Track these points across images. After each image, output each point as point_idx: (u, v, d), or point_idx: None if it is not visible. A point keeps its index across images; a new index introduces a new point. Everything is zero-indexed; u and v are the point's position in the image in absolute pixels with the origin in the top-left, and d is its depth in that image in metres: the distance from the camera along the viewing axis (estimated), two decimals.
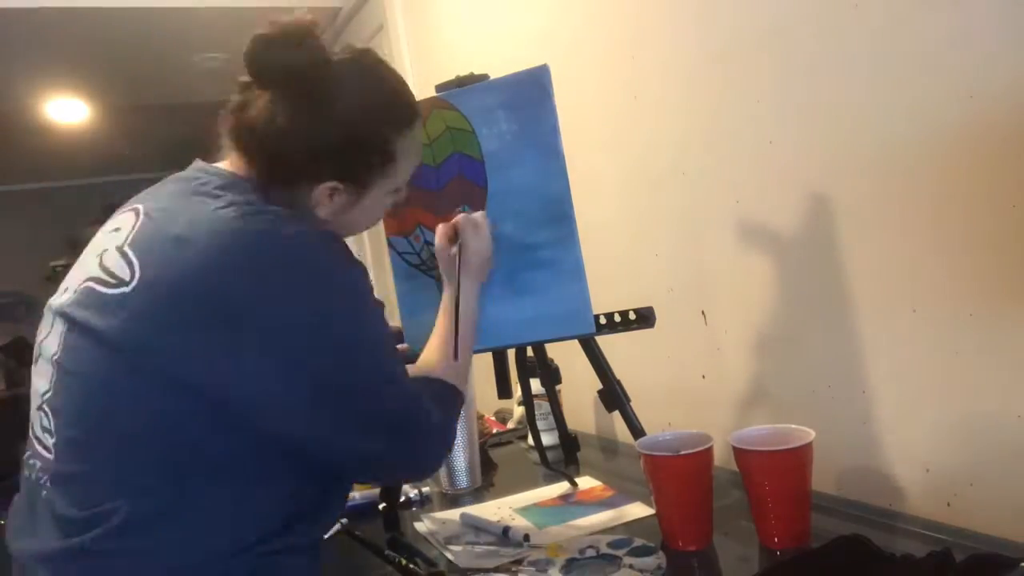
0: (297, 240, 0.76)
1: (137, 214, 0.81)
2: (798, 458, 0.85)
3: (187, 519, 0.73)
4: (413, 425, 0.82)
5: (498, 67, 1.08)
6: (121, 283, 0.75)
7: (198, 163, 0.86)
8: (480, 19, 1.83)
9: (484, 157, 1.02)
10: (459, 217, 1.00)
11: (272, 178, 0.82)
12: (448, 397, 0.91)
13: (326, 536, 1.10)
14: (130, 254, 0.76)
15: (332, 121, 0.81)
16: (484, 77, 1.04)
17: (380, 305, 0.83)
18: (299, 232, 0.76)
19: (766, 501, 0.87)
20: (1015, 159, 0.80)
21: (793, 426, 0.89)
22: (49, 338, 0.81)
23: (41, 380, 0.80)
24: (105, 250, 0.79)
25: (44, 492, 0.77)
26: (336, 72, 0.82)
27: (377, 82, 0.85)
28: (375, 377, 0.79)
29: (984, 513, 0.87)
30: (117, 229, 0.81)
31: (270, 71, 0.80)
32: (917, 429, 0.95)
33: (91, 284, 0.78)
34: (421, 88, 2.16)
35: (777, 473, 0.86)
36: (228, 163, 0.85)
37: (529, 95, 0.99)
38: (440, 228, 1.01)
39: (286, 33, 0.80)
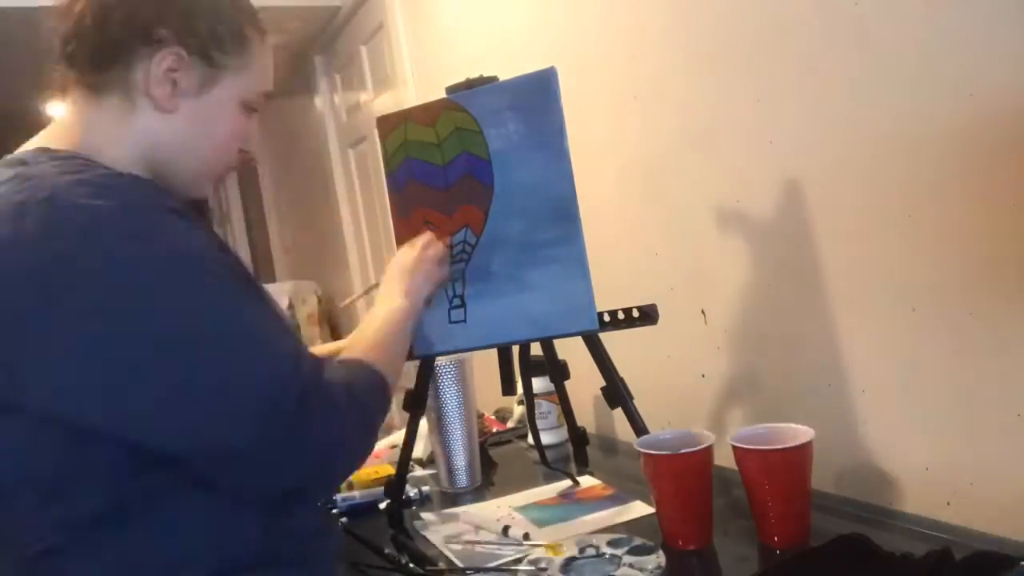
0: (73, 199, 0.65)
1: None
2: (798, 457, 0.85)
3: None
4: (322, 420, 0.68)
5: (498, 66, 1.08)
6: None
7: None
8: (479, 18, 1.83)
9: (491, 157, 1.03)
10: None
11: (102, 60, 0.74)
12: (375, 385, 0.79)
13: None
14: None
15: None
16: (493, 79, 1.05)
17: (217, 241, 0.73)
18: (74, 184, 0.66)
19: (766, 500, 0.87)
20: (1015, 157, 0.80)
21: (793, 425, 0.89)
22: None
23: None
24: None
25: None
26: None
27: None
28: (225, 345, 0.67)
29: (984, 512, 0.87)
30: None
31: None
32: (917, 428, 0.95)
33: None
34: (422, 86, 2.18)
35: (777, 472, 0.86)
36: (43, 133, 0.78)
37: (536, 97, 1.00)
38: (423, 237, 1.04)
39: None
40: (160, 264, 0.66)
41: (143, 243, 0.66)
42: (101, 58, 0.75)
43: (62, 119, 0.79)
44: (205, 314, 0.67)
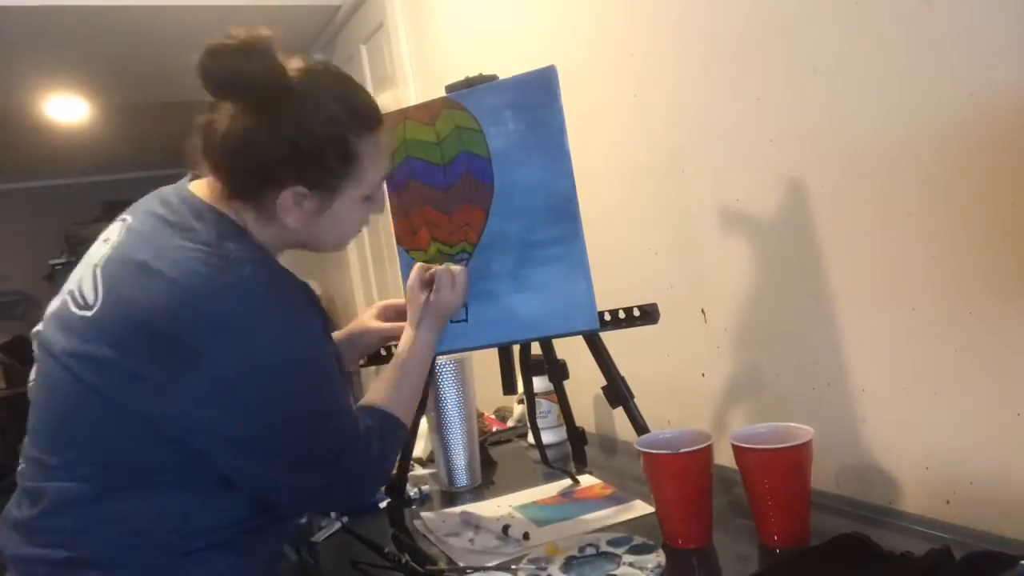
0: (251, 285, 0.81)
1: (124, 224, 0.88)
2: (797, 456, 0.86)
3: (116, 509, 0.81)
4: (351, 459, 0.86)
5: (497, 65, 1.08)
6: (87, 306, 0.83)
7: (180, 184, 0.91)
8: (479, 17, 1.83)
9: (491, 156, 1.03)
10: (437, 269, 1.03)
11: (239, 189, 0.86)
12: (390, 430, 0.94)
13: (321, 538, 1.12)
14: (99, 277, 0.83)
15: (290, 125, 0.83)
16: (493, 78, 1.05)
17: (329, 330, 0.90)
18: (255, 275, 0.82)
19: (765, 499, 0.87)
20: (1016, 157, 0.80)
21: (792, 424, 0.90)
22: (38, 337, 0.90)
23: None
24: (90, 264, 0.87)
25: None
26: (294, 80, 0.84)
27: (337, 89, 0.87)
28: (317, 419, 0.84)
29: (983, 511, 0.87)
30: (107, 240, 0.88)
31: (222, 81, 0.82)
32: (916, 427, 0.95)
33: (67, 299, 0.86)
34: (421, 85, 2.18)
35: (776, 471, 0.86)
36: (204, 184, 0.89)
37: (537, 95, 1.00)
38: (416, 269, 1.04)
39: (237, 44, 0.81)
40: (301, 330, 0.84)
41: (295, 309, 0.84)
42: (237, 188, 0.86)
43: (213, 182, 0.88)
44: (311, 390, 0.84)
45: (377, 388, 0.97)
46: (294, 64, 0.85)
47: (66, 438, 0.83)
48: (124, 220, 0.89)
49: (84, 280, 0.85)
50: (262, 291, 0.82)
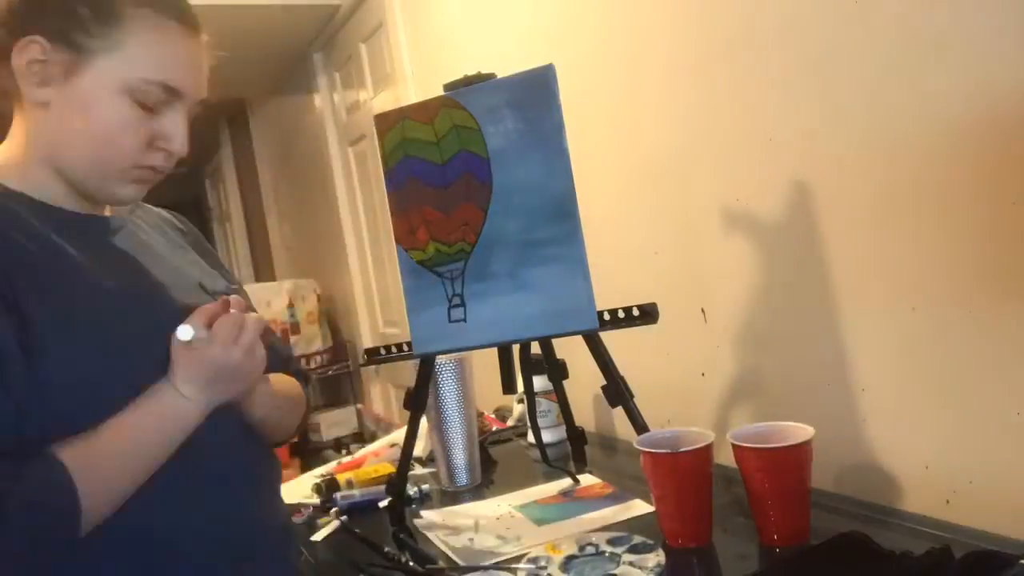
0: None
1: None
2: (797, 455, 0.85)
3: None
4: None
5: (497, 64, 1.08)
6: None
7: None
8: (478, 16, 1.83)
9: (490, 155, 1.03)
10: (223, 317, 0.75)
11: None
12: (45, 499, 0.63)
13: (321, 538, 1.11)
14: None
15: None
16: (491, 76, 1.05)
17: None
18: None
19: (765, 498, 0.87)
20: (1017, 156, 0.80)
21: (792, 423, 0.89)
22: None
23: None
24: None
25: None
26: None
27: None
28: None
29: (983, 510, 0.87)
30: None
31: None
32: (916, 426, 0.95)
33: None
34: (421, 84, 2.18)
35: (776, 470, 0.86)
36: None
37: (535, 94, 0.99)
38: (197, 312, 0.75)
39: None
40: None
41: None
42: None
43: None
44: None
45: (86, 434, 0.68)
46: None
47: None
48: None
49: None
50: None
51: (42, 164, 0.76)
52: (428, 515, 1.16)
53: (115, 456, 0.69)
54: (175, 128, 0.77)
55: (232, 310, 0.76)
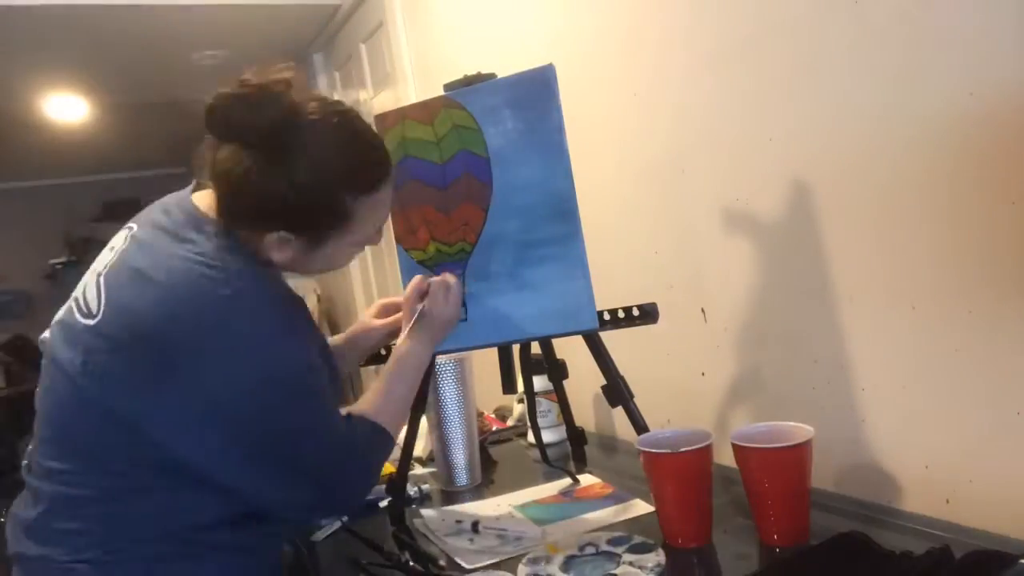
0: (245, 297, 0.82)
1: (130, 232, 0.89)
2: (797, 455, 0.86)
3: (116, 511, 0.83)
4: (333, 472, 0.87)
5: (497, 64, 1.08)
6: (90, 315, 0.84)
7: (184, 194, 0.92)
8: (479, 16, 1.83)
9: (490, 155, 1.03)
10: (433, 279, 1.02)
11: (228, 220, 0.87)
12: (377, 440, 0.94)
13: (321, 538, 1.11)
14: (102, 285, 0.84)
15: (285, 179, 0.83)
16: (491, 76, 1.05)
17: (321, 342, 0.93)
18: (249, 288, 0.83)
19: (765, 498, 0.87)
20: (1015, 156, 0.80)
21: (792, 423, 0.90)
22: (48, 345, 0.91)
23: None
24: (95, 272, 0.88)
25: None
26: (301, 132, 0.83)
27: (343, 145, 0.86)
28: (300, 435, 0.85)
29: (983, 510, 0.87)
30: (112, 248, 0.90)
31: (231, 131, 0.82)
32: (916, 426, 0.95)
33: (72, 306, 0.88)
34: (421, 83, 2.18)
35: (776, 470, 0.86)
36: (208, 195, 0.89)
37: (535, 94, 0.99)
38: (415, 279, 1.03)
39: (252, 93, 0.81)
40: (282, 350, 0.84)
41: (279, 328, 0.85)
42: (228, 220, 0.87)
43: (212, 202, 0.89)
44: (296, 407, 0.85)
45: (367, 397, 0.97)
46: (309, 108, 0.84)
47: (71, 447, 0.84)
48: (130, 228, 0.90)
49: (88, 288, 0.86)
50: (255, 304, 0.83)
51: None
52: (428, 515, 1.16)
53: (400, 404, 1.00)
54: (378, 238, 0.97)
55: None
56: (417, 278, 1.03)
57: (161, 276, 0.81)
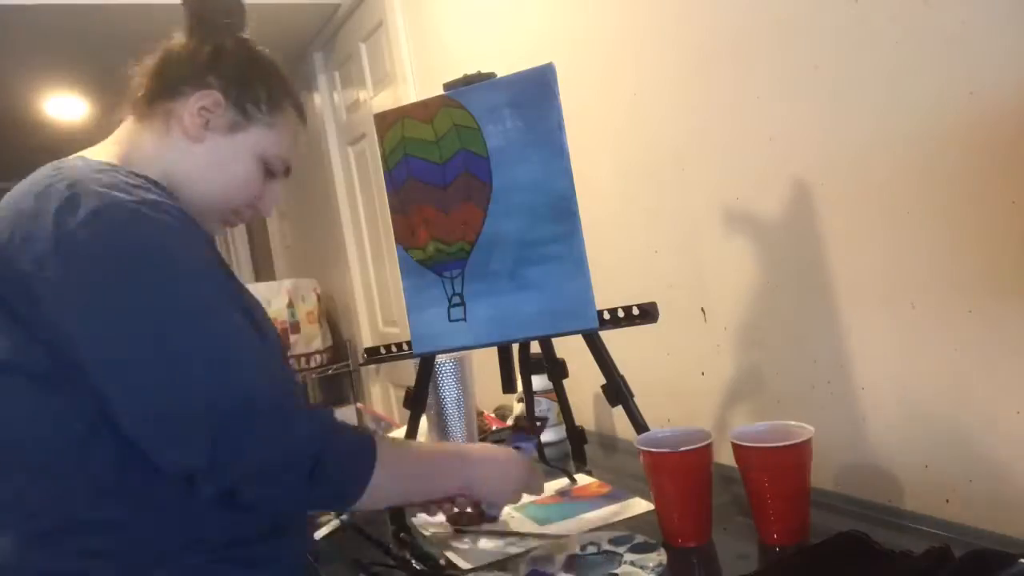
0: (150, 211, 0.75)
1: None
2: (797, 455, 0.86)
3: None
4: (242, 420, 0.72)
5: (497, 63, 1.08)
6: None
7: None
8: (479, 15, 1.83)
9: (489, 154, 1.03)
10: (533, 480, 0.97)
11: (160, 88, 0.88)
12: (352, 444, 0.80)
13: (321, 536, 1.11)
14: None
15: (243, 44, 0.91)
16: (491, 75, 1.05)
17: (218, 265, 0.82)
18: (139, 202, 0.75)
19: (765, 498, 0.87)
20: (1015, 155, 0.80)
21: (792, 423, 0.90)
22: None
23: None
24: None
25: None
26: (251, 45, 0.92)
27: (273, 63, 0.94)
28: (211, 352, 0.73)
29: (983, 509, 0.87)
30: None
31: (204, 20, 0.90)
32: (916, 425, 0.95)
33: None
34: (420, 82, 2.18)
35: (776, 470, 0.86)
36: (99, 146, 0.90)
37: (534, 93, 0.99)
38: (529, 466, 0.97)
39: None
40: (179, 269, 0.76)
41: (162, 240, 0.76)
42: (157, 95, 0.88)
43: (107, 140, 0.91)
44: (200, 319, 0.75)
45: (397, 442, 0.96)
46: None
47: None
48: None
49: None
50: (144, 213, 0.75)
51: (160, 180, 0.85)
52: (428, 515, 1.16)
53: (412, 464, 0.88)
54: (273, 197, 0.96)
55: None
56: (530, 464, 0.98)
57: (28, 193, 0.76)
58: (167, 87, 0.88)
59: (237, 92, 0.89)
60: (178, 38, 0.91)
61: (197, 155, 0.88)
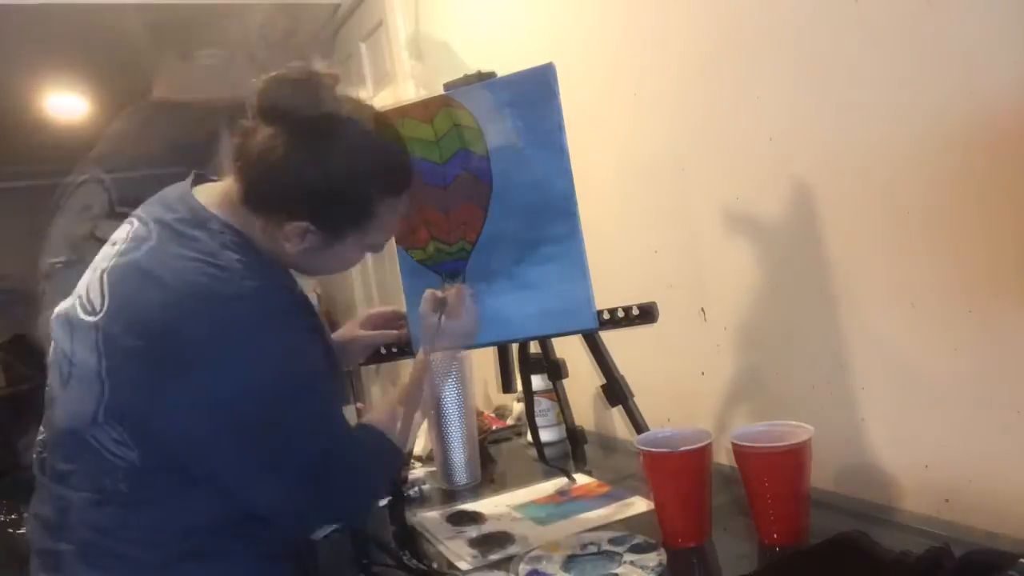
0: (249, 297, 0.81)
1: (132, 228, 0.88)
2: (797, 455, 0.86)
3: (120, 514, 0.83)
4: (335, 474, 0.85)
5: (497, 62, 1.08)
6: (94, 312, 0.83)
7: (184, 187, 0.91)
8: (479, 15, 1.83)
9: (490, 154, 1.03)
10: (450, 293, 1.01)
11: (253, 204, 0.86)
12: (385, 455, 0.93)
13: (321, 536, 1.11)
14: (105, 283, 0.84)
15: (321, 168, 0.84)
16: (492, 75, 1.05)
17: (326, 341, 0.93)
18: (254, 288, 0.82)
19: (765, 498, 0.87)
20: (1014, 156, 0.80)
21: (792, 423, 0.90)
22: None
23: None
24: (98, 269, 0.86)
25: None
26: (341, 124, 0.85)
27: (379, 144, 0.88)
28: (303, 435, 0.83)
29: (982, 510, 0.87)
30: (114, 243, 0.88)
31: (278, 110, 0.83)
32: (915, 426, 0.95)
33: (75, 302, 0.87)
34: (421, 83, 2.17)
35: (776, 470, 0.86)
36: (210, 189, 0.90)
37: (535, 93, 0.99)
38: (428, 295, 1.02)
39: (303, 79, 0.84)
40: (292, 346, 0.84)
41: (289, 326, 0.85)
42: (252, 203, 0.86)
43: (220, 186, 0.91)
44: (300, 406, 0.84)
45: (381, 407, 0.97)
46: (349, 104, 0.86)
47: (77, 445, 0.84)
48: (131, 223, 0.90)
49: (92, 285, 0.86)
50: (260, 304, 0.82)
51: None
52: (428, 514, 1.16)
53: (412, 419, 0.96)
54: (387, 244, 0.99)
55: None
56: (430, 292, 1.02)
57: (167, 277, 0.81)
58: (260, 206, 0.86)
59: (325, 220, 0.87)
60: (262, 134, 0.84)
61: (303, 260, 0.91)
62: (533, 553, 0.92)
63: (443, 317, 1.00)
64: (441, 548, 1.02)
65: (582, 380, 1.26)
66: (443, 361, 1.01)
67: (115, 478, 0.82)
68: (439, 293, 1.02)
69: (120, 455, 0.82)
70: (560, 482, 1.22)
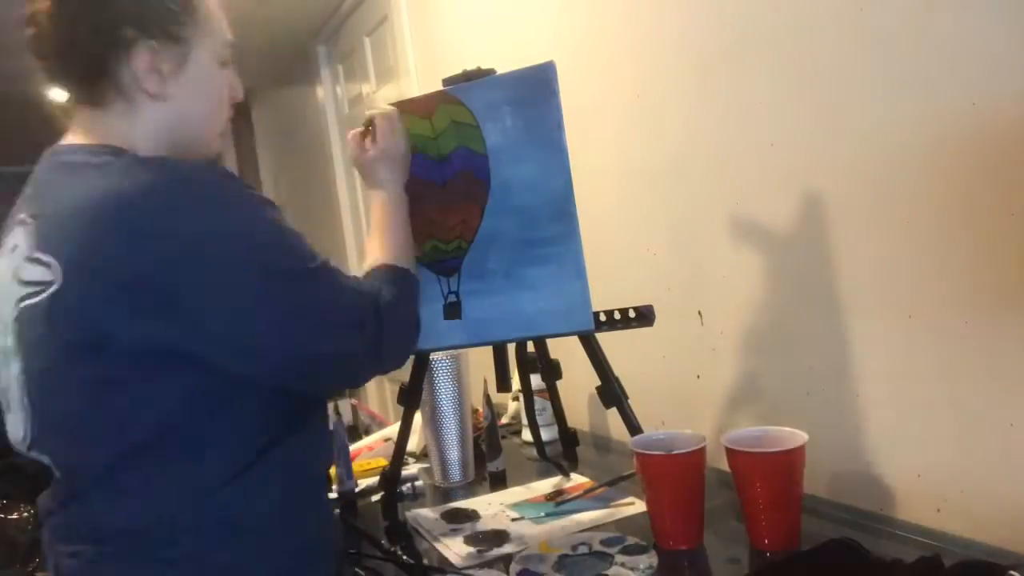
0: (180, 173, 0.75)
1: (24, 224, 0.79)
2: (790, 460, 0.86)
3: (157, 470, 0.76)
4: (375, 318, 0.83)
5: (501, 60, 1.08)
6: (48, 285, 0.74)
7: (54, 149, 0.84)
8: (484, 11, 1.83)
9: (488, 152, 1.02)
10: (376, 114, 1.02)
11: (88, 73, 0.80)
12: (400, 278, 0.93)
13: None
14: (42, 256, 0.75)
15: None
16: (491, 72, 1.04)
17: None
18: (187, 172, 0.75)
19: (757, 502, 0.87)
20: (1016, 167, 0.80)
21: (786, 428, 0.90)
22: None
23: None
24: (14, 268, 0.77)
25: None
26: None
27: None
28: (327, 290, 0.81)
29: (973, 520, 0.87)
30: (15, 247, 0.79)
31: None
32: (909, 434, 0.95)
33: (24, 304, 0.76)
34: (426, 79, 2.17)
35: (769, 475, 0.86)
36: (70, 134, 0.84)
37: (535, 91, 0.99)
38: (351, 134, 1.03)
39: None
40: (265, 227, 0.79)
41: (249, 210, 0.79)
42: (86, 74, 0.81)
43: (77, 130, 0.84)
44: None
45: (371, 250, 0.97)
46: None
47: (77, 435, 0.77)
48: (21, 219, 0.80)
49: (27, 275, 0.76)
50: (206, 188, 0.76)
51: (161, 150, 0.83)
52: (421, 511, 1.16)
53: (403, 243, 0.99)
54: (236, 79, 0.91)
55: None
56: (354, 131, 1.04)
57: (88, 209, 0.73)
58: (92, 67, 0.80)
59: (157, 26, 0.80)
60: (40, 8, 0.80)
61: (176, 106, 0.84)
62: (524, 553, 0.92)
63: (378, 143, 1.00)
64: (436, 544, 1.02)
65: (578, 381, 1.26)
66: (396, 184, 1.01)
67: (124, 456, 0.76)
68: (360, 131, 1.03)
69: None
70: (555, 481, 1.22)
